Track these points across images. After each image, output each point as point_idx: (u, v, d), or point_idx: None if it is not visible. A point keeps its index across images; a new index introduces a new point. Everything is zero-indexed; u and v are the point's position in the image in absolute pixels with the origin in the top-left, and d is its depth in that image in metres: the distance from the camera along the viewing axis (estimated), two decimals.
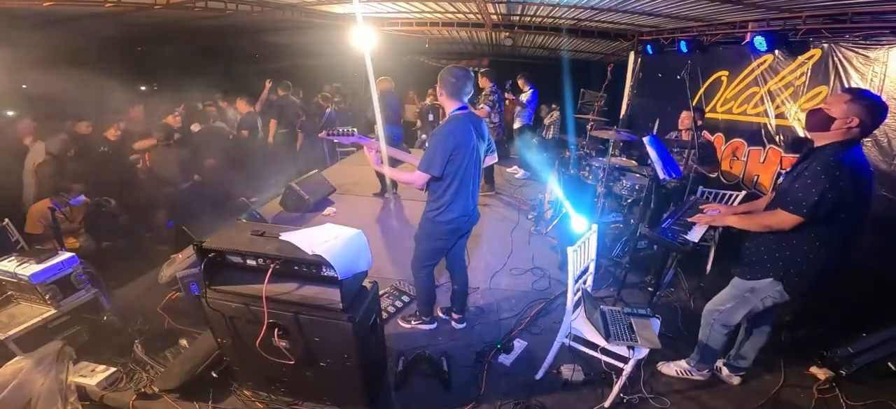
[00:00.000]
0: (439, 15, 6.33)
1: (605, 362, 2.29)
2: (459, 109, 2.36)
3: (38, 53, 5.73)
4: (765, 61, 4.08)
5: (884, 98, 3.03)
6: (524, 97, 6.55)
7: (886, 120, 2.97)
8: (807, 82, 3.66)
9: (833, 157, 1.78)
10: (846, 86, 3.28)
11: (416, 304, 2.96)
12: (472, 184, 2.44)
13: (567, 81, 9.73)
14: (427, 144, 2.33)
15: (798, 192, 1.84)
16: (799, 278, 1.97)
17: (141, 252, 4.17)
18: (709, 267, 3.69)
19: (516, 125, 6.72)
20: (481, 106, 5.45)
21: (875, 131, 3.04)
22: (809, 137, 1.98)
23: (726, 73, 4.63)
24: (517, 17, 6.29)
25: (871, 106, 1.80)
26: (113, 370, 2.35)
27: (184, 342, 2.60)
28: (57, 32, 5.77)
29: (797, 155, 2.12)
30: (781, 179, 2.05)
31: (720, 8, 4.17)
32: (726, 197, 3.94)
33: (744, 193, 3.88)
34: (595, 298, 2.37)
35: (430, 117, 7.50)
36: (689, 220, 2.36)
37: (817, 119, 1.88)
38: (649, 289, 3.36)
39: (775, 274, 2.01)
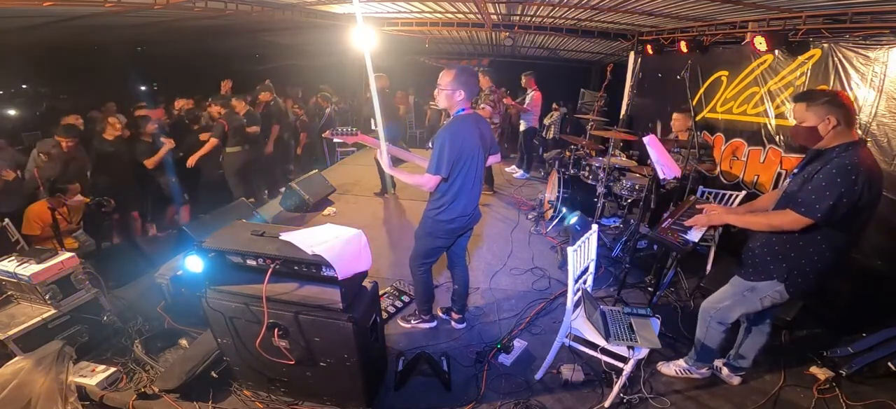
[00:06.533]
0: (439, 15, 6.32)
1: (605, 362, 2.30)
2: (463, 109, 2.36)
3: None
4: (765, 61, 4.07)
5: (884, 98, 3.03)
6: (527, 100, 6.50)
7: (886, 120, 3.00)
8: (807, 82, 3.65)
9: (849, 160, 1.73)
10: (846, 86, 3.28)
11: (415, 302, 2.96)
12: (475, 185, 2.44)
13: (567, 81, 9.75)
14: (432, 146, 2.32)
15: (811, 194, 1.79)
16: (802, 278, 1.96)
17: (141, 252, 4.19)
18: (709, 267, 3.69)
19: (522, 127, 6.71)
20: (483, 106, 5.43)
21: (875, 131, 3.06)
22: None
23: (726, 73, 4.62)
24: (517, 17, 6.29)
25: (831, 99, 1.81)
26: (113, 370, 2.35)
27: (184, 341, 2.60)
28: (58, 31, 5.77)
29: (800, 155, 2.11)
30: (789, 180, 2.03)
31: (720, 8, 4.17)
32: (726, 197, 3.94)
33: (744, 193, 3.89)
34: (595, 298, 2.37)
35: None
36: (685, 223, 2.36)
37: (804, 134, 1.89)
38: (649, 289, 3.37)
39: (778, 276, 1.99)
